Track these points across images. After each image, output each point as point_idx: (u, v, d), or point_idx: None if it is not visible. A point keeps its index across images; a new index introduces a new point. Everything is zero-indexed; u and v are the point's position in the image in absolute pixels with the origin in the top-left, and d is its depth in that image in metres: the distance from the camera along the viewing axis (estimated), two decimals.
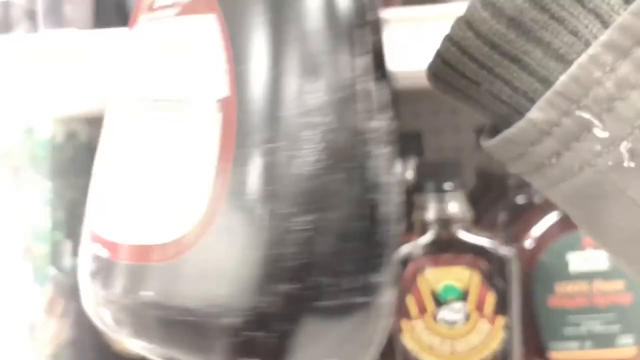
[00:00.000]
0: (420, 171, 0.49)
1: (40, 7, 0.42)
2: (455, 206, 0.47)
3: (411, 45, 0.45)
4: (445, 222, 0.47)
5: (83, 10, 0.49)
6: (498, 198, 0.59)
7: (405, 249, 0.48)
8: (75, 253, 0.55)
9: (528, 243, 0.51)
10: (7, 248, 0.47)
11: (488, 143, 0.20)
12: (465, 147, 0.91)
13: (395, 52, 0.44)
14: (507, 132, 0.19)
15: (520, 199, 0.58)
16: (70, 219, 0.54)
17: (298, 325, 0.18)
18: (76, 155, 0.57)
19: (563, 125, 0.17)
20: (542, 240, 0.50)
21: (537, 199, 0.58)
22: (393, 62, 0.46)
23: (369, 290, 0.20)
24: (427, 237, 0.48)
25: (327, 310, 0.19)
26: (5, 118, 0.46)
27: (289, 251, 0.18)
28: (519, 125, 0.18)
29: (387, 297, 0.20)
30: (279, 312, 0.18)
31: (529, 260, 0.50)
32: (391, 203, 0.20)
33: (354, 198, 0.19)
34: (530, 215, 0.53)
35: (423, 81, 0.24)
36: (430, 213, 0.48)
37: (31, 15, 0.42)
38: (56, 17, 0.44)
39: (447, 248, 0.47)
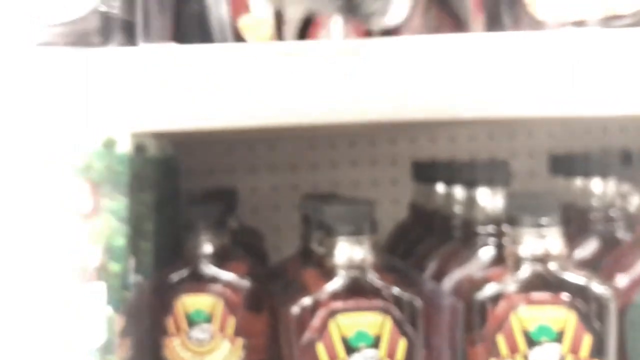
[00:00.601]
0: (514, 203, 0.46)
1: (137, 20, 0.40)
2: (552, 242, 0.45)
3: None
4: (541, 259, 0.45)
5: (164, 24, 0.47)
6: (579, 232, 0.56)
7: (497, 284, 0.46)
8: (138, 270, 0.53)
9: (620, 282, 0.49)
10: (83, 266, 0.45)
11: None
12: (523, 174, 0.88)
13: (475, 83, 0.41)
14: None
15: (604, 234, 0.55)
16: (135, 235, 0.52)
17: None
18: (143, 169, 0.55)
19: None
20: (637, 279, 0.48)
21: (620, 234, 0.55)
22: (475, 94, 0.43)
23: None
24: (522, 273, 0.45)
25: None
26: (86, 130, 0.44)
27: None
28: None
29: None
30: None
31: (621, 300, 0.48)
32: None
33: None
34: (621, 252, 0.51)
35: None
36: (526, 248, 0.45)
37: (128, 27, 0.40)
38: (147, 30, 0.43)
39: (542, 286, 0.45)
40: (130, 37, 0.41)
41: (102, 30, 0.39)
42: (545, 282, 0.45)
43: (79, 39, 0.39)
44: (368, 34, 0.81)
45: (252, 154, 0.89)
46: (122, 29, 0.40)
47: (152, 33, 0.44)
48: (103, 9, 0.39)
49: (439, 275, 0.52)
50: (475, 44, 0.44)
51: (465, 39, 0.44)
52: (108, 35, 0.39)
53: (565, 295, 0.44)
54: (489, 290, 0.46)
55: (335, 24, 0.85)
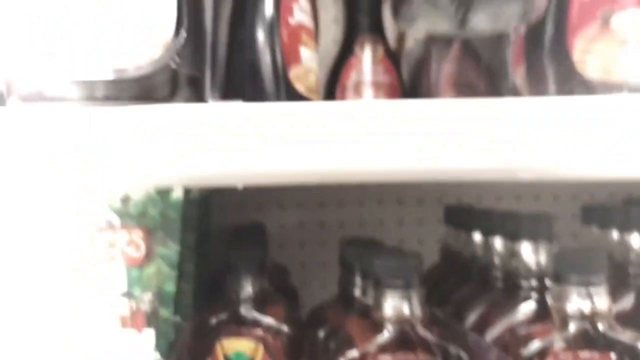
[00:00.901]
0: (561, 260, 0.47)
1: (205, 75, 0.41)
2: (599, 300, 0.46)
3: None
4: (588, 317, 0.45)
5: (220, 75, 0.48)
6: (617, 286, 0.57)
7: (544, 340, 0.46)
8: (177, 311, 0.54)
9: None
10: (134, 312, 0.46)
11: None
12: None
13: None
14: None
15: None
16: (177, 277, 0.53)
17: None
18: (188, 211, 0.56)
19: None
20: None
21: None
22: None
23: None
24: (569, 331, 0.46)
25: None
26: (140, 178, 0.45)
27: None
28: None
29: None
30: None
31: None
32: None
33: None
34: None
35: None
36: (573, 305, 0.46)
37: (195, 83, 0.41)
38: (213, 85, 0.43)
39: (590, 344, 0.45)
40: (196, 91, 0.42)
41: (168, 85, 0.40)
42: (592, 341, 0.45)
43: (146, 93, 0.40)
44: (400, 77, 0.82)
45: (279, 190, 0.90)
46: (188, 83, 0.41)
47: (215, 87, 0.45)
48: (172, 64, 0.39)
49: (479, 327, 0.53)
50: (519, 108, 0.44)
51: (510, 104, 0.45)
52: (174, 90, 0.40)
53: (613, 355, 0.45)
54: (535, 346, 0.46)
55: (366, 65, 0.86)
